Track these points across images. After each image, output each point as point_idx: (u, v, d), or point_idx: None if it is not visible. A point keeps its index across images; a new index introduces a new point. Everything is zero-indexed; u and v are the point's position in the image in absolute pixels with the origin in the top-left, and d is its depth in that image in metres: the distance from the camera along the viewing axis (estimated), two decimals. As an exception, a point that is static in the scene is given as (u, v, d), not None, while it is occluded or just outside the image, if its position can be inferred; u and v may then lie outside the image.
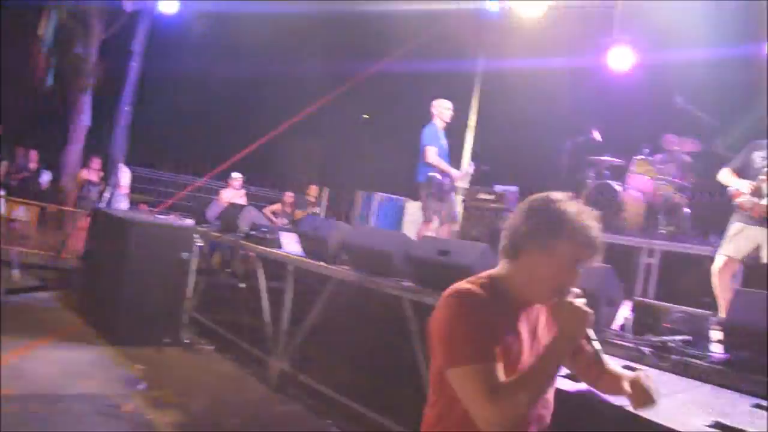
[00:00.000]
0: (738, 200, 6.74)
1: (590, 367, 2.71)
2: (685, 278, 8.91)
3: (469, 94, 13.58)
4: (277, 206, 15.13)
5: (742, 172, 6.84)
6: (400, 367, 6.54)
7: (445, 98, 9.71)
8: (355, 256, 7.14)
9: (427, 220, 9.44)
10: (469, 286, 2.47)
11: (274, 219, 13.90)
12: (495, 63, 13.28)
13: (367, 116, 16.72)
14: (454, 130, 12.83)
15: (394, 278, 6.43)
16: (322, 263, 7.43)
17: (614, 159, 10.74)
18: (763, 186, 6.54)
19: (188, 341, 9.27)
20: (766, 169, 6.61)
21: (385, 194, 13.77)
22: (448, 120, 9.40)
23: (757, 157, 6.75)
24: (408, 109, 14.45)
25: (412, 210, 13.33)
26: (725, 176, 6.96)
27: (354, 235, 7.35)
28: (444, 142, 9.45)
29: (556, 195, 2.53)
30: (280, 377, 7.90)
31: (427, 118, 9.45)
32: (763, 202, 6.52)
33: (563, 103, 11.88)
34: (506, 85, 12.49)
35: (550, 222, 2.45)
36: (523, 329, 2.53)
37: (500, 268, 2.56)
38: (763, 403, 3.38)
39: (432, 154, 9.31)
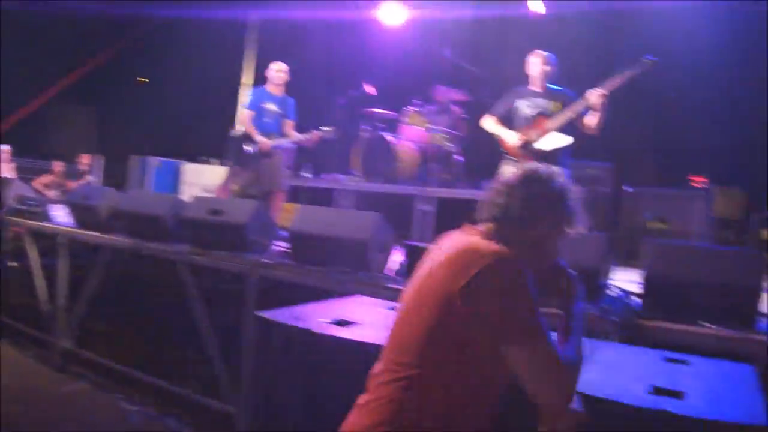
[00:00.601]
0: (505, 147, 6.86)
1: None
2: (460, 222, 9.10)
3: (242, 50, 13.18)
4: (48, 178, 14.24)
5: (507, 120, 6.94)
6: (183, 331, 6.35)
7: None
8: (126, 222, 6.78)
9: (224, 184, 9.11)
10: (508, 252, 2.31)
11: (46, 192, 13.10)
12: (271, 15, 12.89)
13: (145, 79, 16.02)
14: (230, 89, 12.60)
15: (168, 242, 6.19)
16: (94, 233, 7.04)
17: (387, 111, 10.81)
18: (533, 134, 6.69)
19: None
20: (535, 117, 6.74)
21: (160, 158, 13.31)
22: (278, 82, 8.72)
23: (522, 105, 6.85)
24: (182, 71, 14.02)
25: (190, 172, 13.05)
26: (490, 124, 7.03)
27: (124, 200, 6.99)
28: (272, 106, 8.78)
29: (556, 169, 2.55)
30: (63, 356, 7.45)
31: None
32: (534, 148, 6.68)
33: (336, 57, 11.82)
34: (283, 39, 12.26)
35: (560, 195, 2.48)
36: None
37: (501, 236, 2.44)
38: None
39: (243, 117, 8.90)
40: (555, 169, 2.56)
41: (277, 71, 8.72)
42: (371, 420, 2.29)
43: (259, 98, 8.78)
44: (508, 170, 6.72)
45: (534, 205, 2.45)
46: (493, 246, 2.32)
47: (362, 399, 2.40)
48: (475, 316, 2.22)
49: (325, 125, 8.48)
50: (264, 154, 8.54)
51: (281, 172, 8.75)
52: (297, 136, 8.69)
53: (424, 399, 2.26)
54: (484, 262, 2.25)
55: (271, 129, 8.66)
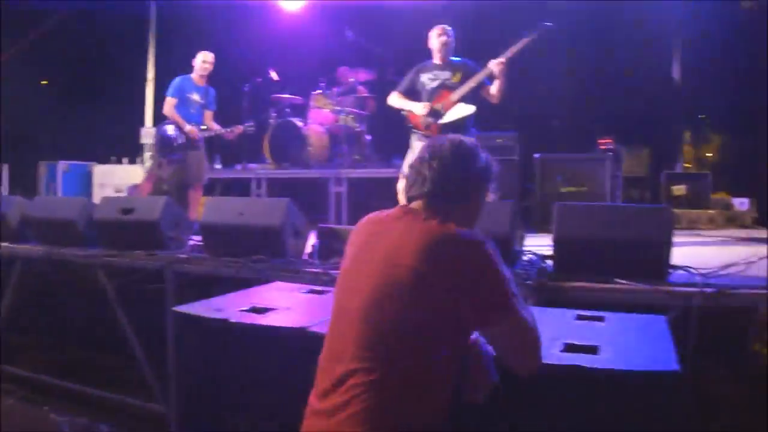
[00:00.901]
0: (412, 122, 6.90)
1: None
2: (374, 201, 9.15)
3: (145, 46, 12.88)
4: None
5: (412, 94, 6.97)
6: (107, 336, 6.20)
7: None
8: (37, 229, 6.62)
9: (146, 178, 8.88)
10: (471, 231, 2.35)
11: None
12: (168, 6, 12.62)
13: (45, 82, 15.56)
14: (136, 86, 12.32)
15: (82, 246, 6.08)
16: (4, 243, 6.81)
17: (294, 96, 10.76)
18: (438, 106, 6.73)
19: None
20: (439, 89, 6.78)
21: (69, 162, 12.98)
22: (203, 73, 8.47)
23: (426, 78, 6.89)
24: (86, 70, 13.70)
25: (101, 174, 12.71)
26: (396, 100, 7.06)
27: (33, 207, 6.79)
28: (196, 96, 8.52)
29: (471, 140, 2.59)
30: (-14, 374, 7.25)
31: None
32: (440, 121, 6.72)
33: (238, 45, 11.67)
34: (182, 30, 12.06)
35: (487, 166, 2.53)
36: None
37: (443, 213, 2.40)
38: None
39: (167, 105, 8.53)
40: (473, 139, 2.60)
41: (203, 62, 8.49)
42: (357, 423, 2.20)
43: (183, 87, 8.52)
44: (418, 145, 6.78)
45: (470, 178, 2.49)
46: (457, 228, 2.31)
47: (329, 402, 2.28)
48: (457, 300, 2.21)
49: (233, 115, 8.39)
50: (192, 145, 8.40)
51: (205, 164, 8.63)
52: (219, 128, 8.58)
53: (403, 394, 2.21)
54: (461, 246, 2.27)
55: (195, 119, 8.47)
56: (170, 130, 8.44)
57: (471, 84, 6.62)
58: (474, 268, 2.24)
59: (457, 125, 6.60)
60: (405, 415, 2.21)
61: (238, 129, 8.54)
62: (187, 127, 8.35)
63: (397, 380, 2.20)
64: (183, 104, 8.45)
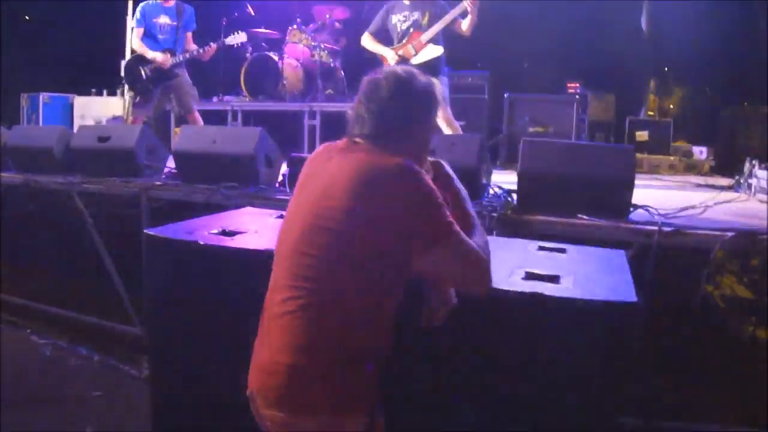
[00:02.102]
0: (386, 64, 6.80)
1: None
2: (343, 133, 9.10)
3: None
4: None
5: (383, 34, 6.93)
6: (85, 261, 6.18)
7: None
8: (16, 157, 6.52)
9: (134, 118, 7.96)
10: (404, 161, 2.24)
11: None
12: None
13: (27, 18, 15.23)
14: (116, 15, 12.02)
15: (60, 174, 5.98)
16: (-17, 172, 6.73)
17: (270, 31, 10.63)
18: (409, 47, 6.65)
19: None
20: (409, 31, 6.72)
21: (50, 94, 12.77)
22: None
23: (396, 20, 6.82)
24: (66, 3, 13.38)
25: (81, 106, 12.50)
26: (368, 42, 7.03)
27: (12, 136, 6.67)
28: (165, 18, 7.66)
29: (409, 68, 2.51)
30: (-33, 300, 7.22)
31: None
32: (411, 61, 6.64)
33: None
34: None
35: (427, 96, 2.44)
36: None
37: (387, 146, 2.31)
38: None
39: (133, 38, 7.86)
40: (411, 69, 2.50)
41: None
42: (291, 351, 2.17)
43: (148, 13, 7.68)
44: None
45: (411, 111, 2.39)
46: (390, 159, 2.23)
47: (268, 333, 2.27)
48: (389, 231, 2.16)
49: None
50: (164, 75, 7.62)
51: (189, 90, 7.82)
52: (194, 47, 7.75)
53: (337, 321, 2.16)
54: (390, 177, 2.20)
55: (168, 45, 7.65)
56: (137, 62, 7.70)
57: (442, 24, 6.57)
58: (406, 197, 2.18)
59: (429, 65, 6.55)
60: (340, 339, 2.16)
61: (211, 48, 7.71)
62: (150, 54, 7.56)
63: (329, 307, 2.17)
64: (150, 32, 7.67)
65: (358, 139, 2.35)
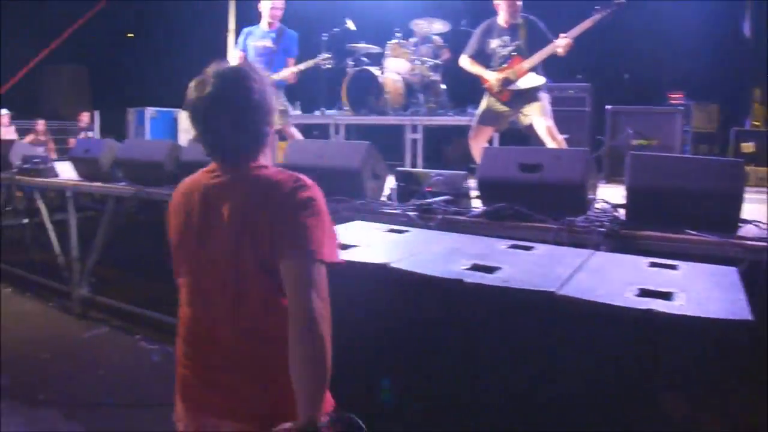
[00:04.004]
0: (486, 85, 6.83)
1: None
2: (448, 147, 9.15)
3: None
4: (30, 137, 14.16)
5: (481, 57, 6.89)
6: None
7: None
8: (127, 170, 6.80)
9: None
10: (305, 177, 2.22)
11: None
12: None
13: (131, 35, 15.79)
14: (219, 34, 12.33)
15: (169, 186, 6.12)
16: (97, 184, 7.05)
17: (370, 45, 10.72)
18: (509, 73, 6.65)
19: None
20: (510, 56, 6.69)
21: (156, 108, 13.20)
22: (270, 19, 7.82)
23: (495, 44, 6.80)
24: (170, 21, 13.83)
25: (186, 120, 12.79)
26: (467, 64, 6.99)
27: (124, 150, 6.96)
28: (259, 43, 7.84)
29: (243, 68, 2.28)
30: (82, 304, 7.56)
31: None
32: (512, 88, 6.66)
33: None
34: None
35: (266, 94, 2.25)
36: None
37: (259, 159, 2.28)
38: (518, 243, 3.41)
39: (233, 60, 7.76)
40: (238, 69, 2.27)
41: (266, 7, 7.86)
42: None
43: (249, 37, 7.93)
44: (491, 104, 6.84)
45: (250, 122, 2.23)
46: (291, 173, 2.21)
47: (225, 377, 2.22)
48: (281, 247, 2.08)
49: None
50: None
51: (282, 107, 7.74)
52: (286, 72, 7.79)
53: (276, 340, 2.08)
54: (290, 187, 2.15)
55: (265, 67, 7.61)
56: None
57: (543, 55, 6.52)
58: (293, 206, 2.11)
59: (531, 91, 6.63)
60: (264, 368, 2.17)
61: (292, 70, 7.73)
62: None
63: (266, 334, 2.17)
64: (252, 54, 7.87)
65: (212, 165, 2.32)
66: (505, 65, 6.71)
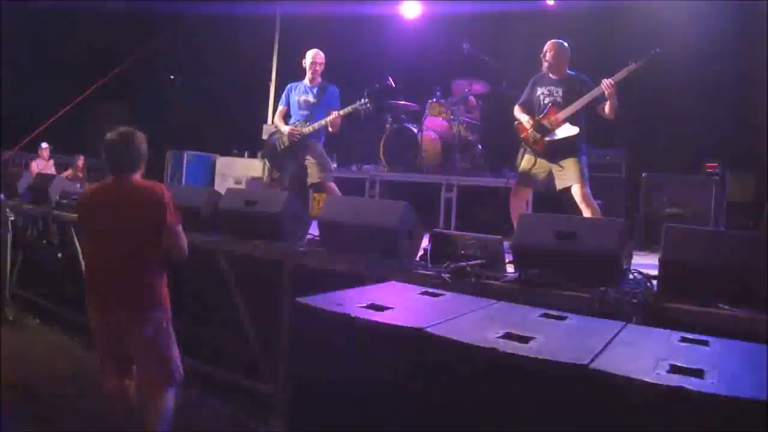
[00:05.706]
0: (522, 135, 6.93)
1: None
2: (482, 209, 9.19)
3: (272, 44, 13.21)
4: (69, 172, 14.38)
5: (529, 107, 7.04)
6: (223, 318, 6.49)
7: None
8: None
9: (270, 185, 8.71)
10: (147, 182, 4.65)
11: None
12: (292, 10, 12.93)
13: (174, 77, 16.06)
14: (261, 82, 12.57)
15: (207, 232, 6.28)
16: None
17: (409, 103, 10.87)
18: (545, 122, 6.75)
19: (12, 318, 8.70)
20: (548, 106, 6.83)
21: (194, 152, 13.39)
22: (311, 75, 8.06)
23: (540, 92, 6.93)
24: (212, 66, 14.07)
25: (223, 165, 13.06)
26: (516, 112, 7.14)
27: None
28: (307, 97, 8.05)
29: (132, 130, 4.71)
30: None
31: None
32: (547, 138, 6.77)
33: (357, 51, 11.81)
34: (304, 33, 12.25)
35: (142, 146, 4.70)
36: None
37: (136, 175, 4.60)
38: (551, 312, 3.43)
39: (276, 115, 8.45)
40: (132, 129, 4.71)
41: (309, 60, 8.07)
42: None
43: (290, 92, 8.19)
44: (525, 158, 6.99)
45: (138, 153, 4.61)
46: (150, 182, 4.62)
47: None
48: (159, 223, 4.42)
49: (351, 119, 8.08)
50: (295, 146, 7.95)
51: (321, 161, 7.99)
52: (325, 120, 7.91)
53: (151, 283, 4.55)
54: (158, 191, 4.50)
55: (302, 119, 8.03)
56: (269, 139, 8.36)
57: (578, 105, 6.64)
58: (160, 198, 4.44)
59: (565, 144, 6.73)
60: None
61: (336, 117, 7.86)
62: (282, 128, 8.02)
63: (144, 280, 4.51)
64: (294, 108, 8.12)
65: (111, 178, 4.63)
66: (542, 115, 6.83)
